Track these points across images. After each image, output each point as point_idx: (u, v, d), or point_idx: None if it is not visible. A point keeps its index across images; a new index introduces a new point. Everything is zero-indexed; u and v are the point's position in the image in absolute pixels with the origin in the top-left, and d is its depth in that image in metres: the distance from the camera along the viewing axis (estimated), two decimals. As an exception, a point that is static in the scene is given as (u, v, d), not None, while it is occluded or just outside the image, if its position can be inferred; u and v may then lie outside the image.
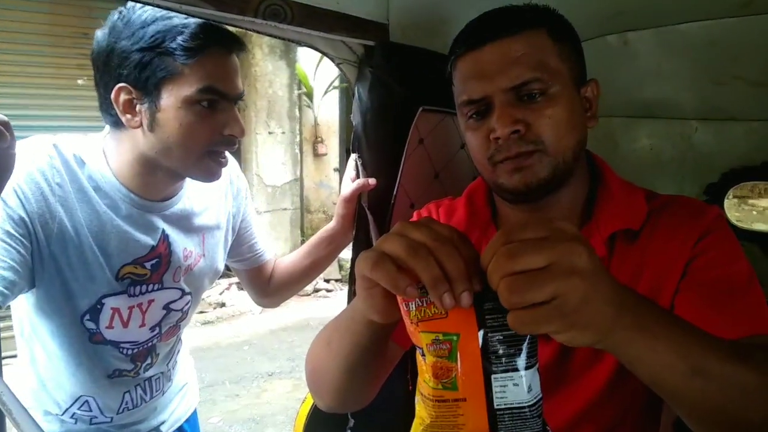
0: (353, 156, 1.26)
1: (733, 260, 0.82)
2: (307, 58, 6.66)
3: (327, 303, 5.93)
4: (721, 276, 0.80)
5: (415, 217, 1.05)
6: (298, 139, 6.62)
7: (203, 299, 4.18)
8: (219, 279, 1.34)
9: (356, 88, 1.22)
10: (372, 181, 1.24)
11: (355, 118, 1.23)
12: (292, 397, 3.92)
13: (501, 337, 0.57)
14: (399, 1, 1.20)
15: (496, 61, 0.82)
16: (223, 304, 5.58)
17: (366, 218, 1.25)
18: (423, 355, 0.60)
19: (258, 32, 1.07)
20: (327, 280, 6.17)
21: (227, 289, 5.68)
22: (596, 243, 0.86)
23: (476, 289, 0.55)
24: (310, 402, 1.25)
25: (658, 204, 0.89)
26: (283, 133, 6.36)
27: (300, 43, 1.14)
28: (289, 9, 1.05)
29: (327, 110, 7.17)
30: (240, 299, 5.61)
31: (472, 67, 0.84)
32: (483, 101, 0.83)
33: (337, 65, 1.21)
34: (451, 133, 1.35)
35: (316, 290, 6.05)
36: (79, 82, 4.93)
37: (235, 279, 5.46)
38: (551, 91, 0.82)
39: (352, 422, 1.24)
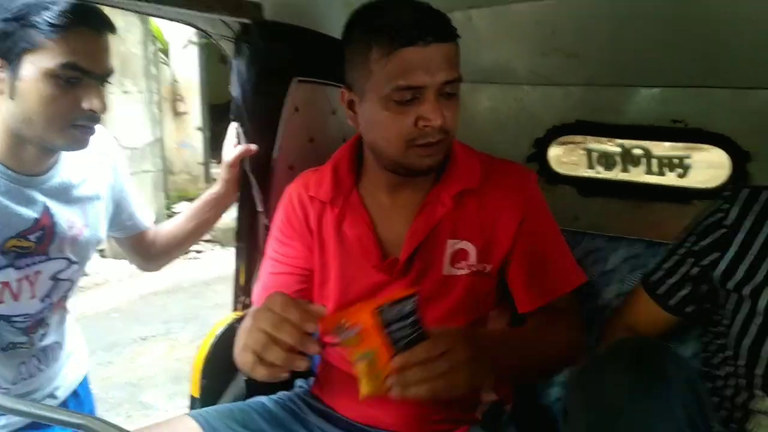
0: (234, 124, 1.36)
1: (547, 229, 1.14)
2: (159, 12, 6.33)
3: (197, 264, 5.86)
4: (538, 249, 1.11)
5: (286, 198, 1.21)
6: (156, 97, 6.32)
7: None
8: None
9: (235, 63, 1.31)
10: (253, 147, 1.35)
11: (235, 90, 1.32)
12: (170, 357, 3.91)
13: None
14: (270, -18, 1.29)
15: (438, 59, 0.97)
16: (85, 273, 5.33)
17: (249, 181, 1.37)
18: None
19: (140, 12, 1.13)
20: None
21: (89, 257, 5.42)
22: (445, 199, 1.10)
23: (311, 330, 0.79)
24: (206, 347, 1.35)
25: (491, 169, 1.14)
26: (140, 92, 6.03)
27: (181, 22, 1.21)
28: (169, -10, 1.11)
29: (185, 67, 6.91)
30: (104, 267, 5.38)
31: (419, 58, 0.96)
32: (419, 90, 0.96)
33: (216, 42, 1.30)
34: (323, 102, 1.50)
35: (186, 252, 5.95)
36: None
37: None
38: (457, 91, 1.02)
39: None
